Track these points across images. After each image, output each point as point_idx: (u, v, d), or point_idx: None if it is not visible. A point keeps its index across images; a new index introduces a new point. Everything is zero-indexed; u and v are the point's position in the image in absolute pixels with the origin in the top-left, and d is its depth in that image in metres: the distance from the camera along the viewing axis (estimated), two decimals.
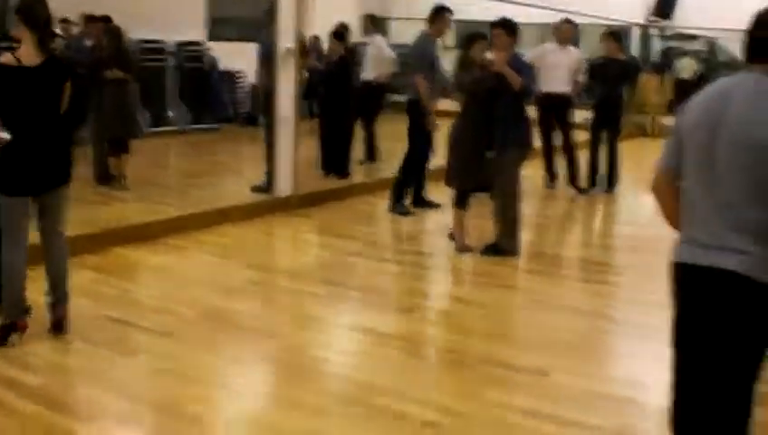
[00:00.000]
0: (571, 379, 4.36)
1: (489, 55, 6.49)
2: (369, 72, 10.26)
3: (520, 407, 3.99)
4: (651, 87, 14.74)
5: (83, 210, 6.62)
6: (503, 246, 6.64)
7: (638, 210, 9.14)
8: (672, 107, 15.41)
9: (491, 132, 6.59)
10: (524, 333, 5.20)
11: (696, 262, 2.66)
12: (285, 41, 7.83)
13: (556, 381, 4.35)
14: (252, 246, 7.00)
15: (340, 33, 9.51)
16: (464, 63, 6.78)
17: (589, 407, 4.06)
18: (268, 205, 7.87)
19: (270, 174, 8.09)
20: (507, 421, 3.86)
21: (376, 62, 10.28)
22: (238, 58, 13.35)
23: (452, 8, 7.99)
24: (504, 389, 4.22)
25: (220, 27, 14.38)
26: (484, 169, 6.65)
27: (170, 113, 13.20)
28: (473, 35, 6.84)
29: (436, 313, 5.71)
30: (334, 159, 9.32)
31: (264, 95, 8.33)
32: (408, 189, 8.14)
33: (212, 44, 13.87)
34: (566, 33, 9.58)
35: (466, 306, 5.71)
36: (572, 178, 9.53)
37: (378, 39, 10.60)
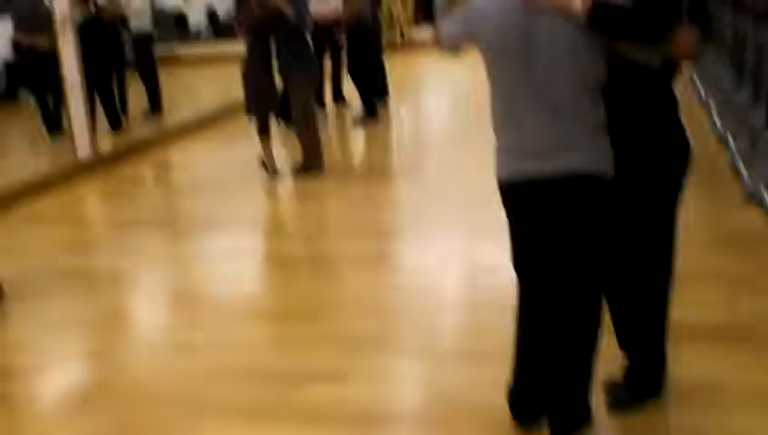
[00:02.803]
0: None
1: None
2: (137, 22, 10.45)
3: None
4: (395, 2, 15.67)
5: None
6: (310, 165, 7.32)
7: (407, 114, 10.29)
8: (418, 19, 16.61)
9: (278, 62, 7.23)
10: (361, 228, 5.91)
11: (532, 172, 2.73)
12: (60, 7, 7.94)
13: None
14: (77, 208, 7.27)
15: None
16: (240, 3, 7.30)
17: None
18: (72, 169, 8.03)
19: None
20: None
21: (139, 11, 10.50)
22: None
23: None
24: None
25: None
26: (276, 95, 7.32)
27: None
28: None
29: (279, 229, 6.39)
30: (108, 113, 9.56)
31: None
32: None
33: None
34: None
35: (303, 219, 6.45)
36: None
37: None
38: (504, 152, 2.84)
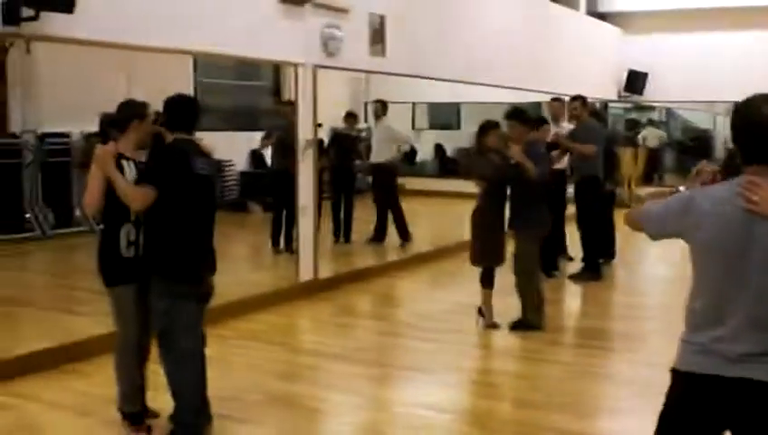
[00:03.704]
0: None
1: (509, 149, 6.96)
2: (380, 155, 10.83)
3: None
4: (625, 159, 15.38)
5: None
6: (529, 321, 7.03)
7: (634, 278, 9.75)
8: (647, 177, 16.25)
9: (511, 213, 7.08)
10: (574, 400, 5.51)
11: (720, 373, 2.63)
12: (304, 133, 8.26)
13: None
14: (291, 331, 7.36)
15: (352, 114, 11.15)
16: (480, 150, 7.21)
17: None
18: (291, 290, 8.17)
19: None
20: None
21: (387, 144, 10.88)
22: (226, 147, 13.77)
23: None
24: None
25: (206, 118, 14.73)
26: (504, 249, 7.12)
27: None
28: (486, 124, 7.26)
29: (487, 386, 6.05)
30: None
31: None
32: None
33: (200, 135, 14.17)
34: (557, 110, 10.06)
35: (514, 379, 6.11)
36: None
37: (385, 122, 11.15)
38: (692, 346, 2.73)
